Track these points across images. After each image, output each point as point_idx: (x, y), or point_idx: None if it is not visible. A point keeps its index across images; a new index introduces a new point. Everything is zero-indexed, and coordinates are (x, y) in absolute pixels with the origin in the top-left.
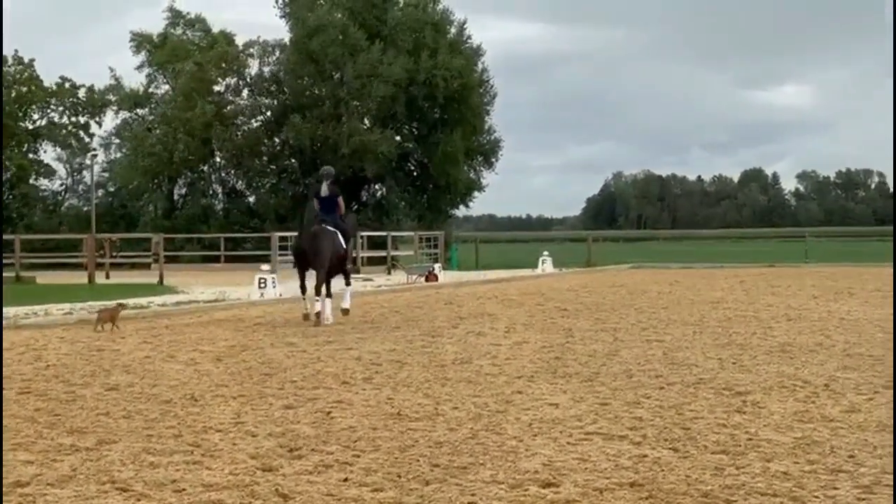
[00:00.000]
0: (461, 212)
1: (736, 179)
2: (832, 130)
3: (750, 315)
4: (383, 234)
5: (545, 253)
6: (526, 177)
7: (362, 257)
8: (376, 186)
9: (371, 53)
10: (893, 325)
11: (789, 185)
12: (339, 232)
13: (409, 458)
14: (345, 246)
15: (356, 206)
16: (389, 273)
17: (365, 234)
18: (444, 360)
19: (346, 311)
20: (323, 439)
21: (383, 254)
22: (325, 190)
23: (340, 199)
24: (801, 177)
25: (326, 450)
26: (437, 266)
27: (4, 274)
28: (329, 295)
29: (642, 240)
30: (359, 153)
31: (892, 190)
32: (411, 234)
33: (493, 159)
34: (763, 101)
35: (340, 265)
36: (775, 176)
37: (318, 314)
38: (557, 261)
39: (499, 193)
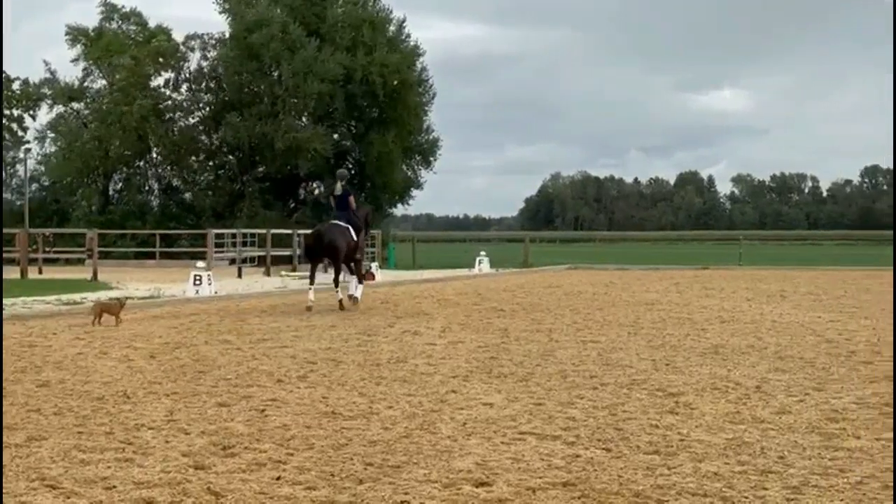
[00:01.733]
0: (399, 211)
1: (672, 182)
2: (768, 135)
3: (684, 317)
4: None
5: (482, 253)
6: (465, 177)
7: (299, 255)
8: (314, 184)
9: (309, 50)
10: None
11: (724, 188)
12: (350, 226)
13: (342, 457)
14: (355, 238)
15: (293, 204)
16: (326, 271)
17: (302, 232)
18: (379, 359)
19: (354, 300)
20: (256, 437)
21: None
22: (338, 189)
23: (351, 198)
24: (737, 180)
25: (260, 448)
26: (373, 265)
27: None
28: (336, 285)
29: (579, 241)
30: (294, 151)
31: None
32: None
33: (431, 158)
34: (701, 104)
35: (353, 255)
36: (711, 179)
37: (340, 301)
38: (494, 261)
39: (437, 193)
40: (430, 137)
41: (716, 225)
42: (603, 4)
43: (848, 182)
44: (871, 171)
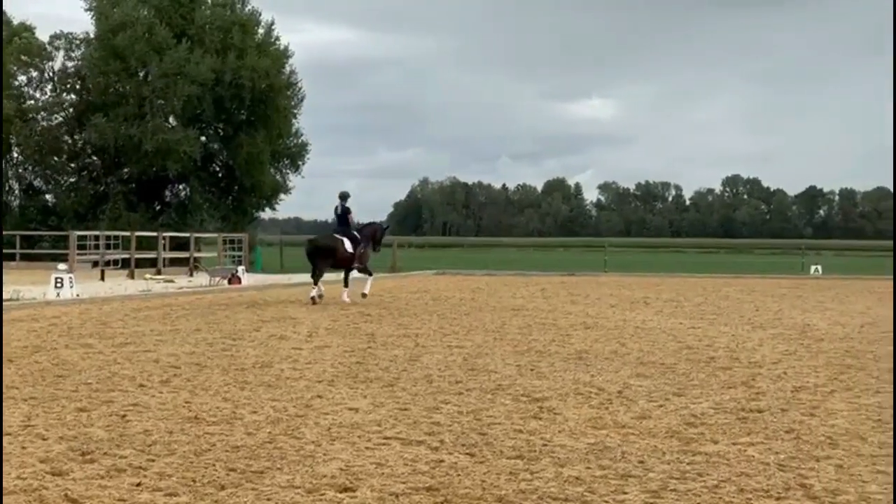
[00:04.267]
0: (267, 214)
1: (540, 189)
2: (633, 144)
3: (549, 323)
4: (186, 235)
5: None
6: (334, 181)
7: (164, 258)
8: (180, 187)
9: (177, 52)
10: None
11: (591, 195)
12: (346, 239)
13: (204, 463)
14: (351, 250)
15: (159, 206)
16: (192, 275)
17: (168, 234)
18: (244, 364)
19: (364, 295)
20: (116, 443)
21: (186, 255)
22: (339, 208)
23: (350, 216)
24: (603, 188)
25: (120, 453)
26: (240, 268)
27: None
28: (346, 284)
29: (447, 246)
30: (161, 152)
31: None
32: (215, 235)
33: (300, 162)
34: (570, 113)
35: (349, 262)
36: (578, 186)
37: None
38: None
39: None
40: (299, 141)
41: (582, 232)
42: (474, 12)
43: (710, 191)
44: (732, 181)
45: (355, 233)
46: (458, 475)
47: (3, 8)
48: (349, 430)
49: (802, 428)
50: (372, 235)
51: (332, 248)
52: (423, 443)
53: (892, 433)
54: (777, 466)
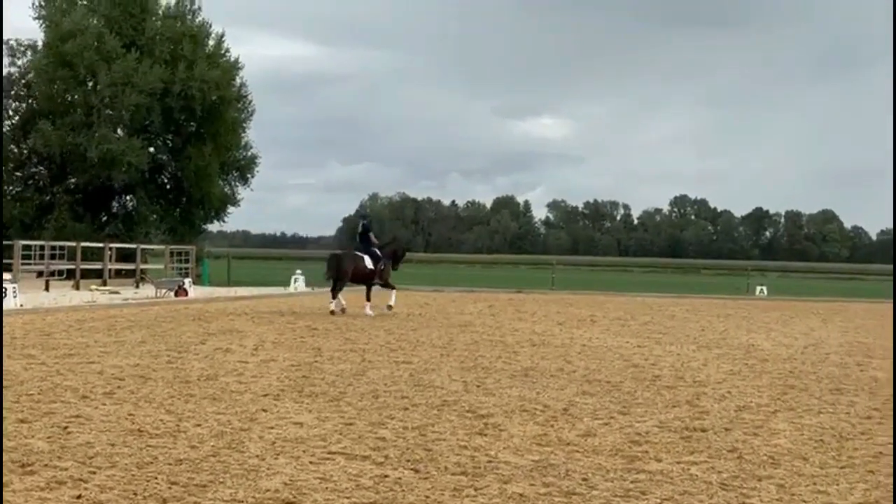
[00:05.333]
0: (215, 227)
1: (489, 206)
2: (584, 163)
3: (497, 339)
4: (132, 246)
5: (298, 271)
6: (284, 194)
7: (110, 269)
8: (127, 198)
9: (126, 61)
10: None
11: (540, 213)
12: (366, 256)
13: (146, 476)
14: (372, 267)
15: (105, 217)
16: (138, 286)
17: (114, 245)
18: (189, 377)
19: (389, 307)
20: (58, 455)
21: (132, 266)
22: (360, 226)
23: (370, 234)
24: (552, 206)
25: (61, 465)
26: (187, 281)
27: None
28: (368, 298)
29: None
30: (108, 162)
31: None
32: (162, 247)
33: (249, 175)
34: (521, 130)
35: (369, 278)
36: (527, 204)
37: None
38: (311, 279)
39: (256, 210)
40: (249, 154)
41: (530, 249)
42: (428, 28)
43: (658, 211)
44: (680, 201)
45: (376, 250)
46: (403, 490)
47: None
48: (294, 444)
49: (745, 447)
50: (393, 254)
51: (346, 264)
52: (367, 458)
53: (833, 453)
54: (719, 485)
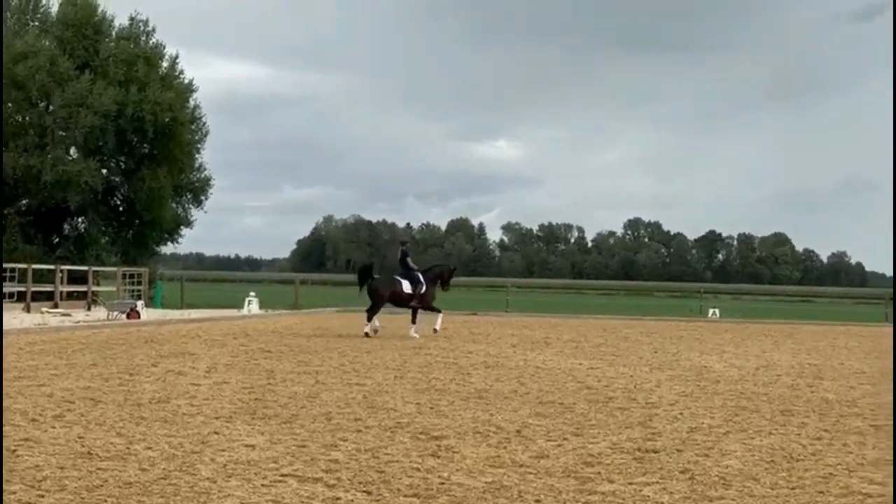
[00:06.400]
0: (168, 249)
1: (444, 228)
2: (539, 185)
3: (450, 361)
4: (84, 268)
5: (252, 294)
6: (238, 217)
7: (61, 292)
8: (79, 220)
9: (80, 83)
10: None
11: (495, 235)
12: (405, 280)
13: (96, 499)
14: (410, 291)
15: (56, 239)
16: (89, 309)
17: (65, 267)
18: (140, 399)
19: (435, 331)
20: (6, 478)
21: (84, 289)
22: (399, 253)
23: (408, 259)
24: (506, 228)
25: (9, 489)
26: (139, 303)
27: None
28: (413, 321)
29: (350, 284)
30: (62, 184)
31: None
32: (114, 269)
33: (203, 197)
34: (477, 153)
35: (407, 302)
36: (481, 226)
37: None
38: (264, 302)
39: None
40: (202, 176)
41: (485, 272)
42: (383, 50)
43: (612, 233)
44: (633, 224)
45: (418, 274)
46: None
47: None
48: (245, 466)
49: (697, 468)
50: (439, 276)
51: (382, 288)
52: (319, 480)
53: (784, 474)
54: None
